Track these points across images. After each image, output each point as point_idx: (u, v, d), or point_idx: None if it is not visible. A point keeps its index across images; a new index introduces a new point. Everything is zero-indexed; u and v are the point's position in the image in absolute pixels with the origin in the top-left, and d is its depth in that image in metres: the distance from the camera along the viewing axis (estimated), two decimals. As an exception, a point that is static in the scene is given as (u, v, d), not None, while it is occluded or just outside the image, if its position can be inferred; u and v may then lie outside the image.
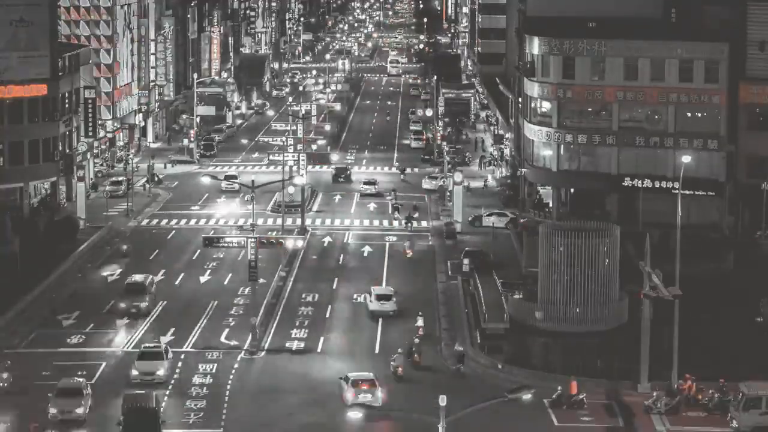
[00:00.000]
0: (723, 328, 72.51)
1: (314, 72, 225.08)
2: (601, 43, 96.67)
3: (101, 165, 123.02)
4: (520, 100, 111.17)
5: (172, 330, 72.90)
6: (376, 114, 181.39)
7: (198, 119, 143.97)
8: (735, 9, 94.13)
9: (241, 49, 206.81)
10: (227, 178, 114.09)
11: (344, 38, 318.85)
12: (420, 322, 73.31)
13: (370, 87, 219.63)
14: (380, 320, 75.77)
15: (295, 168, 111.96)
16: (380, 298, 77.03)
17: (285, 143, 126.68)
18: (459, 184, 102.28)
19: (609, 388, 62.85)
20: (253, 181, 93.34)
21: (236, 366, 66.61)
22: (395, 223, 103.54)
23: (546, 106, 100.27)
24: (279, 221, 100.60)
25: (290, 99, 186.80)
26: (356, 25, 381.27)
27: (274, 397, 62.05)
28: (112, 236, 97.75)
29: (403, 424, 56.88)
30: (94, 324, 73.99)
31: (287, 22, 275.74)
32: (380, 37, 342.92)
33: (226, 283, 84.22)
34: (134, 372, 63.51)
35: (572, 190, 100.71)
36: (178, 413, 59.46)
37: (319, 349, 70.10)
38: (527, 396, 43.08)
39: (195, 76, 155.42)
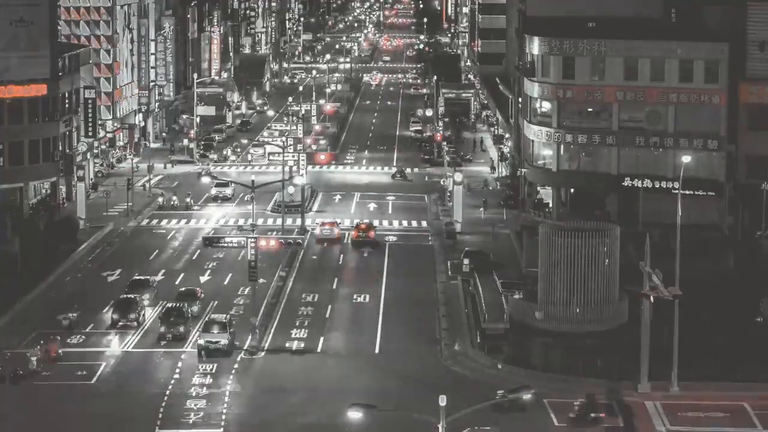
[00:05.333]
0: (723, 328, 72.52)
1: (314, 72, 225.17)
2: (601, 43, 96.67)
3: (101, 165, 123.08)
4: (520, 100, 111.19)
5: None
6: (376, 114, 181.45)
7: (198, 119, 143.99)
8: (735, 9, 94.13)
9: (241, 49, 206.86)
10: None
11: (344, 38, 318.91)
12: None
13: (369, 87, 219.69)
14: (380, 320, 75.83)
15: (295, 168, 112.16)
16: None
17: (285, 143, 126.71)
18: (459, 184, 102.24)
19: (609, 388, 62.82)
20: (253, 181, 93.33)
21: (236, 366, 66.61)
22: (395, 223, 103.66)
23: (546, 106, 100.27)
24: (279, 221, 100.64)
25: (289, 101, 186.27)
26: (356, 24, 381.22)
27: (274, 397, 62.05)
28: (112, 236, 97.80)
29: (403, 423, 56.86)
30: (94, 324, 73.98)
31: (287, 22, 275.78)
32: (380, 37, 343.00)
33: (226, 283, 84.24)
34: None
35: (572, 190, 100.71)
36: (178, 413, 59.47)
37: (319, 349, 70.10)
38: (527, 396, 43.04)
39: (195, 76, 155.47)
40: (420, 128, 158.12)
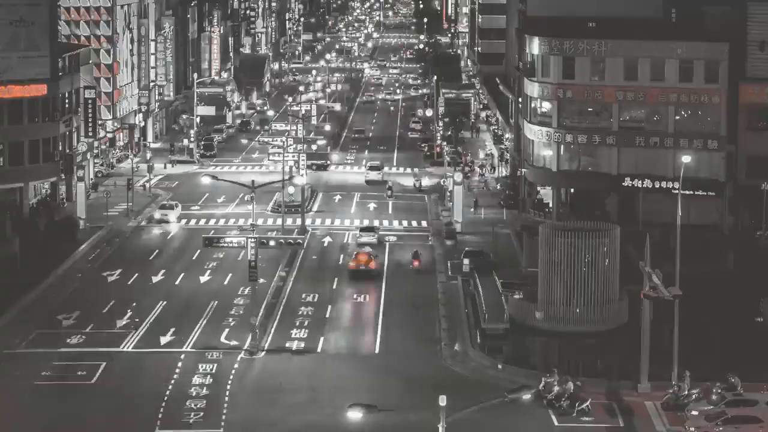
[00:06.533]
0: (723, 328, 72.53)
1: (314, 72, 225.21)
2: (601, 43, 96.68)
3: (101, 165, 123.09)
4: (520, 100, 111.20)
5: (172, 330, 72.88)
6: (376, 114, 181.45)
7: (198, 119, 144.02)
8: (735, 9, 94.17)
9: (241, 49, 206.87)
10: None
11: (344, 38, 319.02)
12: None
13: (370, 87, 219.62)
14: (380, 320, 75.84)
15: (295, 168, 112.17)
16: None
17: (285, 143, 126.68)
18: (459, 184, 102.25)
19: (609, 388, 62.83)
20: (253, 181, 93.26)
21: (236, 366, 66.62)
22: (395, 223, 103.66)
23: (546, 106, 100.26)
24: (279, 221, 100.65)
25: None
26: (356, 24, 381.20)
27: (274, 397, 62.05)
28: (112, 236, 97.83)
29: (403, 424, 56.92)
30: (94, 324, 74.01)
31: (287, 22, 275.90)
32: (380, 37, 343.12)
33: (226, 283, 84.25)
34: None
35: (572, 190, 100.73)
36: (178, 413, 59.49)
37: (319, 349, 70.10)
38: (527, 396, 43.09)
39: (195, 76, 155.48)
40: (420, 128, 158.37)
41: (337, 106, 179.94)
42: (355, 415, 41.53)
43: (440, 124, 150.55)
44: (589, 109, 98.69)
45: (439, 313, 77.07)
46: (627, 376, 63.64)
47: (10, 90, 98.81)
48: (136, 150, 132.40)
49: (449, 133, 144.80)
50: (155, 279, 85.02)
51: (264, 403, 61.10)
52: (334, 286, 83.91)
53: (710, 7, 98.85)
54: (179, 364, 66.68)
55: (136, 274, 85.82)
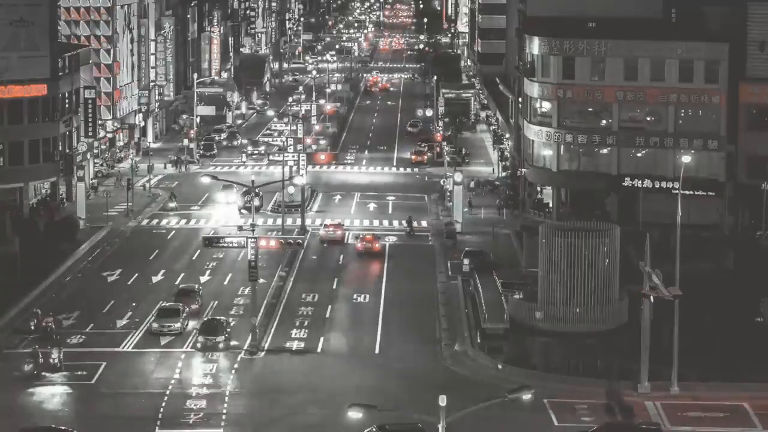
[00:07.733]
0: (723, 328, 72.52)
1: (314, 72, 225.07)
2: (601, 43, 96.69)
3: (101, 165, 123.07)
4: (520, 100, 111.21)
5: (172, 330, 72.85)
6: (376, 114, 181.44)
7: (198, 119, 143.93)
8: (735, 9, 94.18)
9: (241, 49, 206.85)
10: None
11: (344, 38, 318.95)
12: None
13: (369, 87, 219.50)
14: (380, 320, 75.83)
15: (295, 168, 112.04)
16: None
17: (285, 143, 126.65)
18: (459, 184, 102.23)
19: (609, 388, 62.79)
20: (253, 181, 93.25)
21: (236, 366, 66.62)
22: (395, 223, 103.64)
23: (546, 106, 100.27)
24: (279, 221, 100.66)
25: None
26: (356, 25, 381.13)
27: (274, 397, 62.04)
28: (112, 236, 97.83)
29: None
30: (94, 324, 74.00)
31: (287, 22, 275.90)
32: (380, 38, 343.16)
33: (226, 283, 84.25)
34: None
35: (572, 190, 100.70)
36: (178, 413, 59.46)
37: (319, 349, 70.11)
38: (527, 396, 43.03)
39: (195, 76, 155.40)
40: (419, 129, 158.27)
41: (337, 106, 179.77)
42: (355, 415, 41.46)
43: (440, 124, 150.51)
44: (589, 109, 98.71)
45: (439, 313, 77.10)
46: (627, 376, 63.63)
47: (10, 90, 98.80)
48: (135, 150, 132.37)
49: (449, 133, 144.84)
50: (155, 279, 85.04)
51: (264, 403, 61.10)
52: (334, 286, 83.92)
53: (710, 7, 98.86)
54: (179, 364, 66.68)
55: (136, 274, 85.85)
